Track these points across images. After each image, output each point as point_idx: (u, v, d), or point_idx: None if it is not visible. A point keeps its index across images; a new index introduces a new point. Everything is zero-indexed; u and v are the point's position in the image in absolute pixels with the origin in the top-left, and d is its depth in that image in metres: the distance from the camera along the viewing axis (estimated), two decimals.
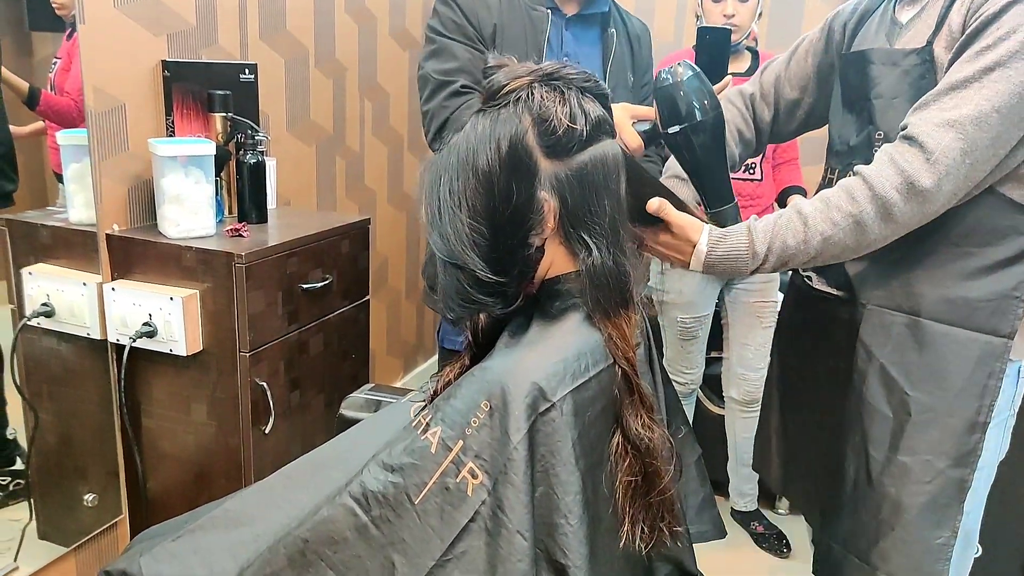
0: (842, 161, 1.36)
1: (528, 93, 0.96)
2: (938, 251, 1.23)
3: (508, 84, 0.97)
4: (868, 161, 1.26)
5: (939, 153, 1.10)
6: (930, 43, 1.21)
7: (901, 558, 1.28)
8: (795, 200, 1.19)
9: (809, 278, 1.44)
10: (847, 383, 1.35)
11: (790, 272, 1.55)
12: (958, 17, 1.17)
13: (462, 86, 1.65)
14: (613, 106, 1.37)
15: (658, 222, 1.20)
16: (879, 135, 1.28)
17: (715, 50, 1.54)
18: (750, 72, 2.32)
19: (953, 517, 1.26)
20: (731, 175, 2.25)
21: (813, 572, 1.48)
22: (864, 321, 1.31)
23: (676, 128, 1.26)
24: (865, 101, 1.31)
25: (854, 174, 1.18)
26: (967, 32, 1.14)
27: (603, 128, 0.99)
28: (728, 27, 2.03)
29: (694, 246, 1.20)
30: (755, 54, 2.40)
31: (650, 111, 1.36)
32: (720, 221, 1.29)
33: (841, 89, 1.41)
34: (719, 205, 1.31)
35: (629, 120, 1.39)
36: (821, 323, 1.42)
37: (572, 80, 0.98)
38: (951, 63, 1.16)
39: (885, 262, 1.27)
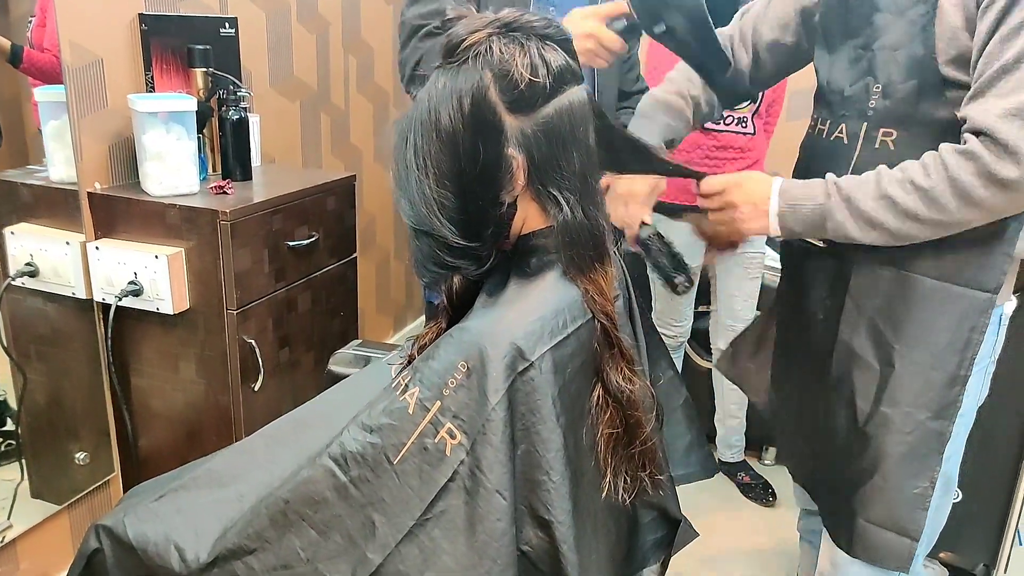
0: (833, 112, 1.34)
1: (487, 47, 0.93)
2: None
3: (466, 39, 0.94)
4: (862, 115, 1.26)
5: (1012, 143, 1.06)
6: None
7: (880, 506, 1.30)
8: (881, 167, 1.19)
9: None
10: (835, 334, 1.35)
11: None
12: None
13: (435, 27, 1.58)
14: (580, 13, 1.34)
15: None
16: (877, 87, 1.25)
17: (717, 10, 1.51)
18: None
19: (932, 468, 1.28)
20: (723, 128, 2.26)
21: (821, 514, 1.50)
22: (854, 274, 1.31)
23: (661, 28, 1.22)
24: (864, 49, 1.28)
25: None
26: (992, 5, 1.10)
27: (566, 77, 0.96)
28: None
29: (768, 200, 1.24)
30: None
31: (620, 6, 1.31)
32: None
33: (826, 32, 1.37)
34: (733, 101, 1.27)
35: (603, 23, 1.33)
36: (810, 273, 1.43)
37: (532, 28, 0.95)
38: (984, 43, 1.11)
39: None
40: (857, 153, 1.28)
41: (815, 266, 1.40)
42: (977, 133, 1.11)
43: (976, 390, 1.32)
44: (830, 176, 1.22)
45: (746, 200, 1.28)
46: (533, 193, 0.99)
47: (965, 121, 1.13)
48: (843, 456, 1.35)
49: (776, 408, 1.62)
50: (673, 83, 1.52)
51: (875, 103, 1.26)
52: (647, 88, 2.07)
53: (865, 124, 1.27)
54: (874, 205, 1.17)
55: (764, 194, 1.27)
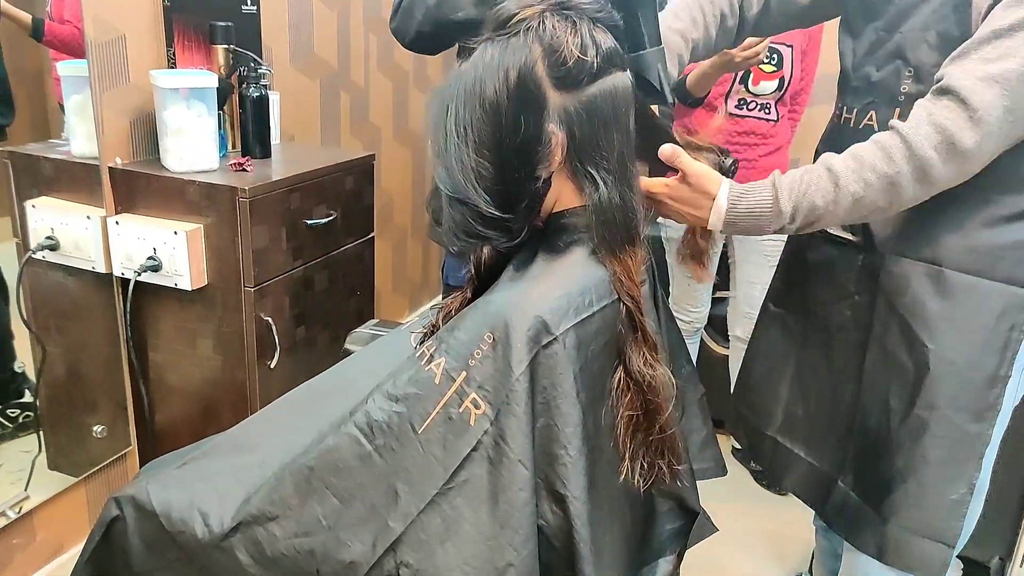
0: (860, 99, 1.29)
1: (539, 22, 0.93)
2: (962, 199, 1.15)
3: (518, 13, 0.94)
4: (893, 100, 1.21)
5: (982, 111, 1.02)
6: None
7: (914, 513, 1.25)
8: (825, 157, 1.11)
9: None
10: (865, 331, 1.31)
11: None
12: None
13: None
14: None
15: (663, 172, 1.14)
16: (909, 71, 1.21)
17: None
18: None
19: (970, 473, 1.22)
20: (746, 113, 2.24)
21: (824, 522, 1.46)
22: (884, 270, 1.26)
23: None
24: (888, 32, 1.24)
25: (889, 128, 1.10)
26: None
27: (614, 60, 0.97)
28: None
29: (713, 200, 1.12)
30: None
31: None
32: (641, 66, 1.13)
33: (848, 14, 1.33)
34: (639, 48, 1.13)
35: None
36: (832, 267, 1.38)
37: (584, 9, 0.95)
38: (989, 9, 1.08)
39: (906, 210, 1.17)
40: None
41: (846, 262, 1.35)
42: (943, 93, 1.06)
43: (1014, 391, 1.25)
44: (775, 179, 1.12)
45: (687, 193, 1.15)
46: (570, 171, 0.99)
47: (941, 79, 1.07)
48: (875, 460, 1.30)
49: (790, 423, 1.53)
50: (678, 19, 1.38)
51: (907, 87, 1.21)
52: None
53: (898, 110, 1.22)
54: (836, 210, 1.10)
55: (709, 192, 1.14)
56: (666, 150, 1.13)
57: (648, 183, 1.15)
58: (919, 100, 1.10)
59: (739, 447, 2.68)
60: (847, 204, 1.09)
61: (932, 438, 1.22)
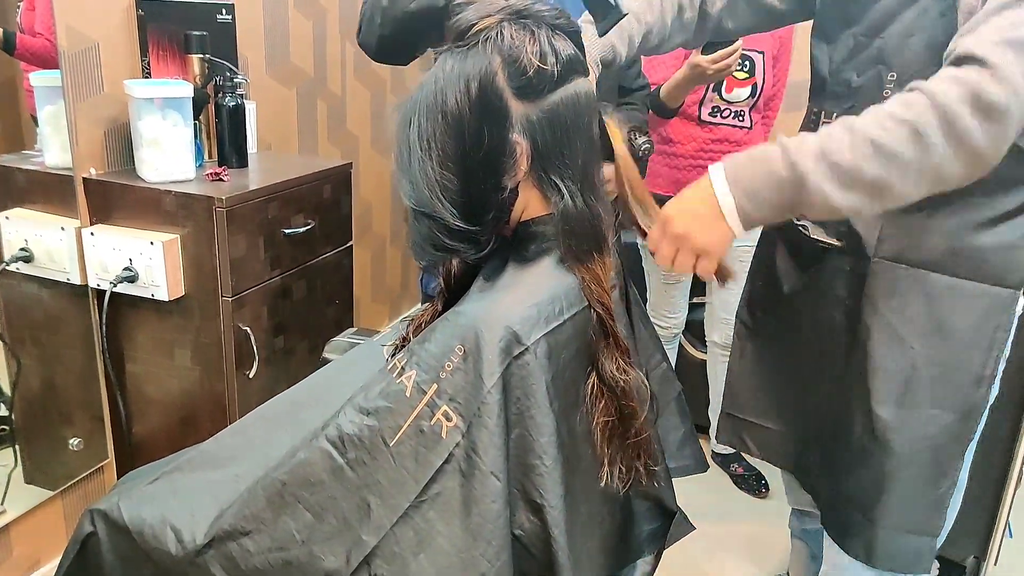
0: (840, 104, 1.28)
1: (498, 32, 0.94)
2: (947, 202, 1.14)
3: (477, 23, 0.94)
4: (874, 103, 1.13)
5: (1004, 68, 0.93)
6: None
7: (903, 513, 1.27)
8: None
9: (804, 227, 1.38)
10: (849, 335, 1.32)
11: None
12: None
13: None
14: None
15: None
16: (891, 76, 1.20)
17: None
18: None
19: (955, 469, 1.25)
20: (720, 120, 2.25)
21: (822, 523, 1.46)
22: (871, 275, 1.26)
23: None
24: (867, 37, 1.24)
25: (905, 92, 0.99)
26: None
27: (575, 67, 0.97)
28: None
29: (712, 193, 1.00)
30: None
31: None
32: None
33: (823, 20, 1.33)
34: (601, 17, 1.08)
35: None
36: (819, 274, 1.38)
37: (543, 17, 0.96)
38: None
39: (891, 212, 1.10)
40: None
41: (831, 267, 1.34)
42: (963, 61, 0.97)
43: (996, 388, 1.28)
44: (782, 140, 1.00)
45: (687, 216, 1.02)
46: (535, 180, 0.99)
47: (950, 57, 1.00)
48: (859, 464, 1.31)
49: (767, 434, 1.56)
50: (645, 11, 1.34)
51: (889, 92, 1.20)
52: (648, 85, 2.07)
53: None
54: (853, 155, 0.96)
55: (705, 195, 1.02)
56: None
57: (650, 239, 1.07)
58: (938, 71, 1.00)
59: (717, 452, 2.69)
60: (866, 150, 0.95)
61: (921, 439, 1.24)
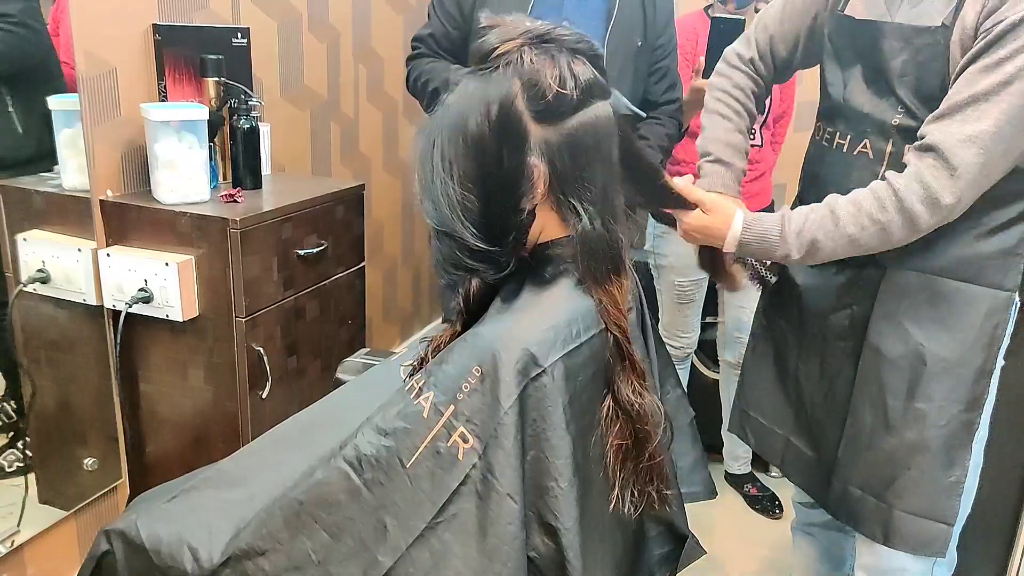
0: (853, 127, 1.37)
1: (518, 56, 0.94)
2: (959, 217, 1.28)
3: (498, 47, 0.95)
4: (885, 130, 1.31)
5: (962, 169, 1.17)
6: (946, 26, 1.21)
7: (916, 496, 1.36)
8: (830, 198, 1.28)
9: None
10: (859, 338, 1.40)
11: None
12: (972, 12, 1.18)
13: (418, 52, 2.01)
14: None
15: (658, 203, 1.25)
16: (900, 109, 1.29)
17: (726, 40, 1.63)
18: None
19: (964, 457, 1.34)
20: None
21: (830, 514, 1.52)
22: (884, 281, 1.36)
23: None
24: (876, 71, 1.32)
25: (883, 179, 1.25)
26: (984, 38, 1.16)
27: (594, 91, 0.98)
28: (740, 18, 2.00)
29: (729, 224, 1.32)
30: None
31: None
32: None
33: (835, 49, 1.39)
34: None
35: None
36: (830, 281, 1.45)
37: (564, 41, 0.97)
38: (963, 67, 1.19)
39: None
40: (884, 167, 1.31)
41: (844, 274, 1.42)
42: (927, 150, 1.20)
43: (997, 378, 1.39)
44: (784, 212, 1.31)
45: (703, 234, 1.37)
46: (553, 202, 1.00)
47: (923, 137, 1.21)
48: (873, 454, 1.39)
49: (796, 422, 1.60)
50: (735, 118, 1.60)
51: (898, 120, 1.29)
52: (677, 99, 2.07)
53: (891, 140, 1.31)
54: (834, 246, 1.27)
55: (729, 216, 1.35)
56: (679, 182, 1.30)
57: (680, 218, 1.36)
58: (907, 154, 1.26)
59: (731, 472, 2.68)
60: (843, 243, 1.27)
61: (932, 428, 1.34)
